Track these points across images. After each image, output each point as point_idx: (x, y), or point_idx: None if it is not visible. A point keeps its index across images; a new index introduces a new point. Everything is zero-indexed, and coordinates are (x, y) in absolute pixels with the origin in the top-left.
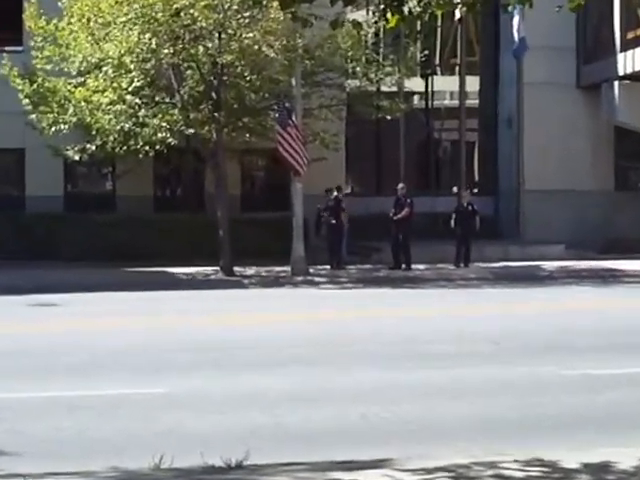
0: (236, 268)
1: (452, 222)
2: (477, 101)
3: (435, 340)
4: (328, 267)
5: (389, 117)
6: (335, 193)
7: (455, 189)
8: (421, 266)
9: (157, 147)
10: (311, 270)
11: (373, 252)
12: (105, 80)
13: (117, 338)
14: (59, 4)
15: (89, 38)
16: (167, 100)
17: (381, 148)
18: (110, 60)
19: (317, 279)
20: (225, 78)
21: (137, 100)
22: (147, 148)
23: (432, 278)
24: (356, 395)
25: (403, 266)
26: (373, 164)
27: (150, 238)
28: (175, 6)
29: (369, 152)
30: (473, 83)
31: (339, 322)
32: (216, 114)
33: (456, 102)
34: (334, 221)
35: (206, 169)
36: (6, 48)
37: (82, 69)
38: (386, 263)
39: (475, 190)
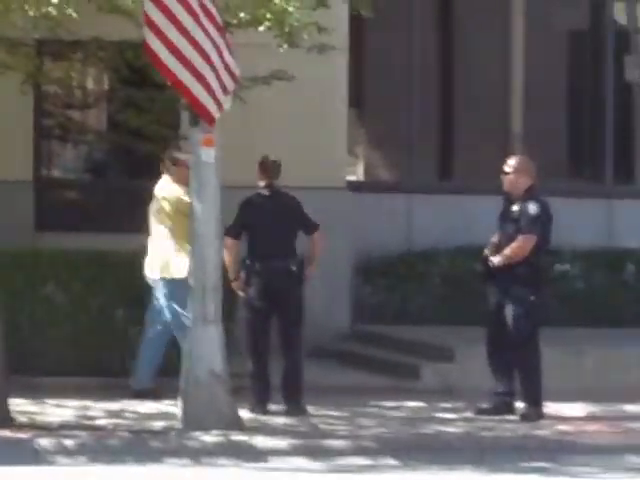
0: (19, 403)
1: None
2: None
3: None
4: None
5: None
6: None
7: None
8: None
9: None
10: (247, 416)
11: (419, 365)
12: None
13: None
14: None
15: None
16: None
17: (452, 55)
18: None
19: (260, 440)
20: None
21: None
22: None
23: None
24: None
25: (521, 407)
26: (429, 99)
27: None
28: None
29: (415, 64)
30: None
31: None
32: None
33: None
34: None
35: None
36: None
37: None
38: (463, 396)
39: None
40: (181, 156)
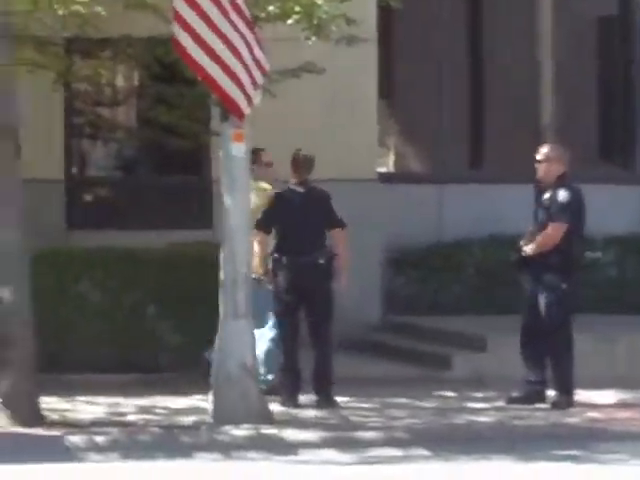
0: (50, 401)
1: None
2: None
3: None
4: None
5: None
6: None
7: None
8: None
9: None
10: (277, 409)
11: (451, 354)
12: None
13: None
14: None
15: None
16: None
17: (482, 45)
18: None
19: (290, 433)
20: None
21: None
22: None
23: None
24: None
25: (552, 395)
26: (459, 89)
27: None
28: None
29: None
30: None
31: None
32: None
33: None
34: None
35: None
36: None
37: None
38: (495, 385)
39: None
40: (264, 157)
